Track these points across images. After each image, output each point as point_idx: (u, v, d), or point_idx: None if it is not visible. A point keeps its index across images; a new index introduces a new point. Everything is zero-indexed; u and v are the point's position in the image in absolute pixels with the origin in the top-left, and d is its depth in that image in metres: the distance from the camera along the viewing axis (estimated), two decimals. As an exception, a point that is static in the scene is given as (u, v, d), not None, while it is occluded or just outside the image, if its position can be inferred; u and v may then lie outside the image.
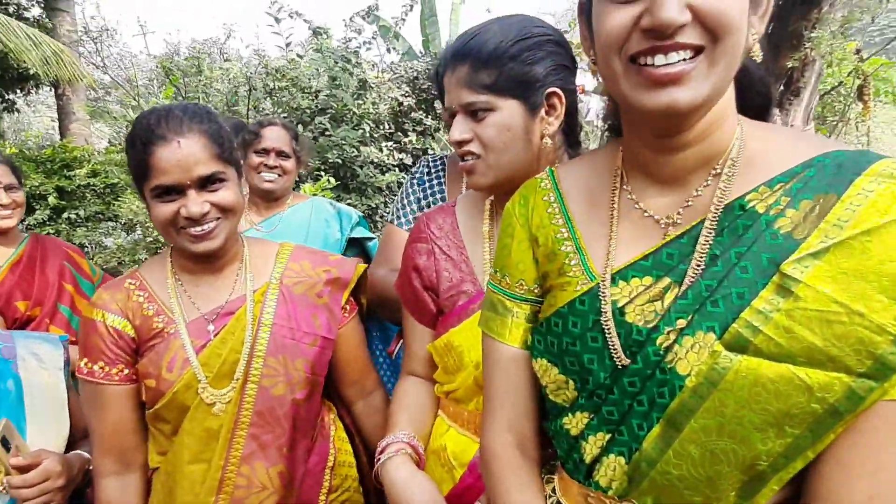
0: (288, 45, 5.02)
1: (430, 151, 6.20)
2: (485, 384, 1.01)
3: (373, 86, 5.59)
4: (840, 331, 0.68)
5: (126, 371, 1.30)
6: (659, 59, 0.71)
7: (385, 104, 5.42)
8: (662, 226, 0.83)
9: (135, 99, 4.43)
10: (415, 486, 1.17)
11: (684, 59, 0.71)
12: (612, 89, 0.79)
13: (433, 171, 1.86)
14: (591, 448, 0.84)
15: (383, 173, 5.28)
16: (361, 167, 5.03)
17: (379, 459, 1.23)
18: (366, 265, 1.51)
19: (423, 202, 1.82)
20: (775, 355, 0.70)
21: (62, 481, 1.33)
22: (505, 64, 1.12)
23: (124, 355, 1.30)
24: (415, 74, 6.30)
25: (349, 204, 4.81)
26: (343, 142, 4.86)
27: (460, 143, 1.18)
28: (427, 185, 1.84)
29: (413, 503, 1.15)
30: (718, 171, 0.80)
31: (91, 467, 1.39)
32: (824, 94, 6.25)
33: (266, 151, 2.35)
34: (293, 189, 2.55)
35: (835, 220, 0.71)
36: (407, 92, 6.00)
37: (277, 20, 5.02)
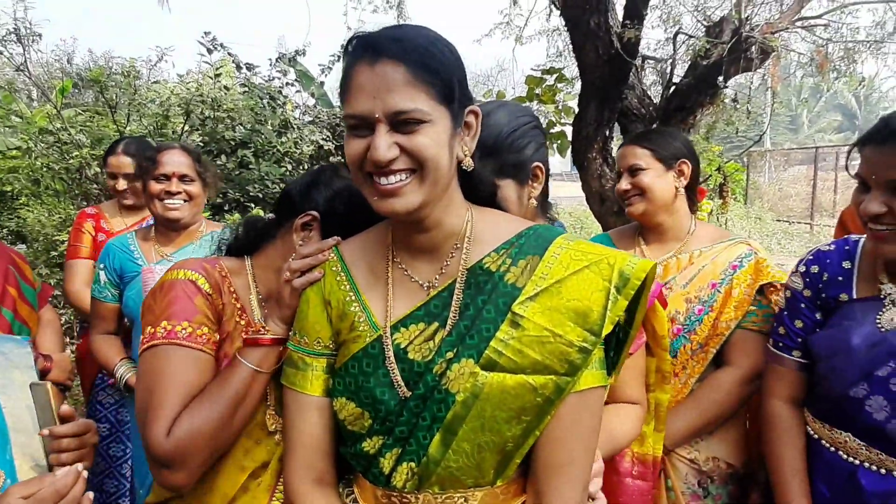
0: (218, 75, 5.07)
1: (344, 196, 6.40)
2: (285, 432, 1.17)
3: (294, 126, 5.75)
4: (550, 348, 1.00)
5: (214, 337, 1.23)
6: (382, 180, 0.98)
7: (307, 145, 5.58)
8: (426, 287, 1.09)
9: (55, 108, 4.25)
10: None
11: (401, 179, 0.98)
12: (362, 192, 1.05)
13: None
14: (387, 462, 1.06)
15: (300, 212, 5.38)
16: (280, 204, 5.11)
17: None
18: None
19: None
20: (513, 369, 1.00)
21: (97, 438, 1.28)
22: (503, 154, 1.38)
23: (212, 321, 1.23)
24: (336, 121, 6.54)
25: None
26: (266, 177, 4.94)
27: None
28: None
29: None
30: (459, 245, 1.09)
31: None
32: (692, 187, 7.26)
33: (167, 177, 2.20)
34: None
35: (541, 274, 1.03)
36: (328, 136, 6.21)
37: (210, 51, 5.08)
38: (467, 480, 1.04)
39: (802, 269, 1.60)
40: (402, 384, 1.04)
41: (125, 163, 2.80)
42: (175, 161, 2.22)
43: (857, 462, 1.43)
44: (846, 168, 1.60)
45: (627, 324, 1.09)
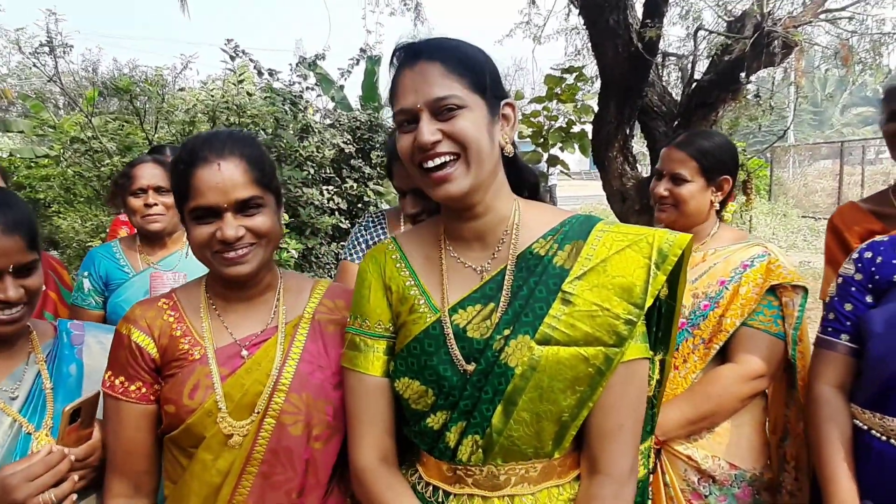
0: (241, 82, 5.16)
1: (364, 199, 6.47)
2: (349, 413, 1.25)
3: (316, 130, 5.82)
4: (599, 321, 1.10)
5: (144, 390, 1.28)
6: (429, 163, 1.10)
7: (329, 149, 5.65)
8: (479, 272, 1.20)
9: (87, 117, 4.37)
10: None
11: (448, 163, 1.09)
12: (419, 185, 1.17)
13: (377, 221, 2.23)
14: (452, 436, 1.14)
15: (322, 215, 5.44)
16: (304, 207, 5.19)
17: None
18: None
19: (371, 243, 2.15)
20: (567, 342, 1.10)
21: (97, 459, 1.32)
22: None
23: (143, 373, 1.29)
24: (357, 124, 6.60)
25: (285, 243, 4.93)
26: (288, 181, 5.02)
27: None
28: (373, 230, 2.19)
29: None
30: (508, 231, 1.19)
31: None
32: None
33: (143, 191, 2.27)
34: None
35: (586, 256, 1.14)
36: (348, 140, 6.27)
37: (232, 57, 5.18)
38: (528, 450, 1.13)
39: (855, 256, 1.65)
40: (462, 360, 1.13)
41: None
42: (148, 174, 2.28)
43: None
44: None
45: (670, 298, 1.19)
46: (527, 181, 1.29)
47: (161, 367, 1.30)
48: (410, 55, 1.12)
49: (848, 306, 1.60)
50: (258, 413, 1.26)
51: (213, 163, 1.23)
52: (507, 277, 1.16)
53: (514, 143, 1.20)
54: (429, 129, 1.08)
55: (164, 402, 1.28)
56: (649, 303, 1.11)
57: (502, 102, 1.16)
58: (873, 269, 1.59)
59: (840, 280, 1.66)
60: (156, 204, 2.27)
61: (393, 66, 1.16)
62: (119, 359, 1.30)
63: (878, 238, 1.68)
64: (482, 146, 1.10)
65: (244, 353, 1.30)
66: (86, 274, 2.34)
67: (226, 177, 1.23)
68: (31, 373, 1.36)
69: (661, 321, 1.21)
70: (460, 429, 1.14)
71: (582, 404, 1.11)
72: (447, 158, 1.09)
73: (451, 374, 1.13)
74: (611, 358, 1.09)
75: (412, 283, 1.22)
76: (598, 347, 1.09)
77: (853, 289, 1.61)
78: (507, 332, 1.12)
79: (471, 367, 1.13)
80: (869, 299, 1.59)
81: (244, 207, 1.25)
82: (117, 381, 1.29)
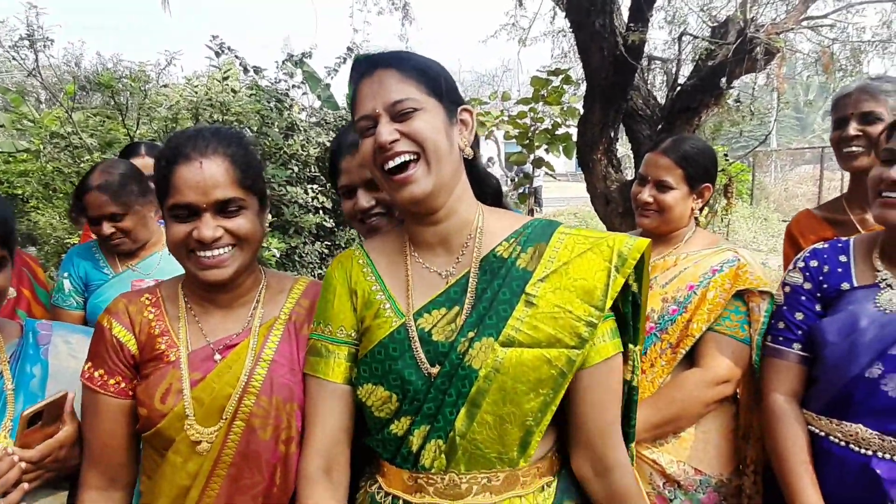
0: (225, 79, 5.11)
1: (350, 197, 6.43)
2: (306, 420, 1.24)
3: (301, 128, 5.76)
4: (562, 322, 1.12)
5: (123, 385, 1.27)
6: (390, 164, 1.12)
7: (313, 147, 5.61)
8: (444, 276, 1.21)
9: (67, 112, 4.29)
10: None
11: (409, 163, 1.12)
12: (383, 190, 1.21)
13: None
14: (416, 440, 1.14)
15: (306, 213, 5.39)
16: (287, 206, 5.15)
17: None
18: None
19: None
20: (530, 344, 1.12)
21: (57, 458, 1.28)
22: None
23: (123, 368, 1.27)
24: (343, 122, 6.56)
25: (266, 242, 4.87)
26: (272, 179, 4.98)
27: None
28: None
29: None
30: (472, 236, 1.21)
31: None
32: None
33: (98, 220, 2.20)
34: None
35: (549, 258, 1.17)
36: (334, 138, 6.21)
37: (217, 54, 5.12)
38: (491, 455, 1.13)
39: (801, 265, 1.64)
40: (427, 363, 1.14)
41: (149, 164, 2.80)
42: (96, 205, 2.18)
43: (869, 453, 1.43)
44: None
45: (639, 294, 1.22)
46: (489, 188, 1.31)
47: (140, 363, 1.28)
48: (369, 66, 1.17)
49: (799, 315, 1.61)
50: (226, 419, 1.24)
51: (194, 161, 1.21)
52: (471, 281, 1.18)
53: (473, 148, 1.22)
54: (387, 130, 1.11)
55: (138, 403, 1.27)
56: (609, 304, 1.13)
57: (459, 108, 1.20)
58: (821, 278, 1.59)
59: (787, 289, 1.65)
60: (113, 232, 2.19)
61: (352, 80, 1.20)
62: (99, 352, 1.28)
63: (818, 245, 1.67)
64: (440, 146, 1.13)
65: (217, 356, 1.28)
66: (66, 274, 2.29)
67: (206, 176, 1.20)
68: None
69: (636, 315, 1.23)
70: (423, 433, 1.13)
71: (545, 408, 1.12)
72: (407, 157, 1.12)
73: (415, 378, 1.14)
74: (572, 360, 1.11)
75: (378, 287, 1.23)
76: (561, 349, 1.11)
77: (803, 298, 1.61)
78: (471, 334, 1.13)
79: (435, 370, 1.13)
80: (818, 308, 1.59)
81: (224, 208, 1.23)
82: (97, 374, 1.27)
